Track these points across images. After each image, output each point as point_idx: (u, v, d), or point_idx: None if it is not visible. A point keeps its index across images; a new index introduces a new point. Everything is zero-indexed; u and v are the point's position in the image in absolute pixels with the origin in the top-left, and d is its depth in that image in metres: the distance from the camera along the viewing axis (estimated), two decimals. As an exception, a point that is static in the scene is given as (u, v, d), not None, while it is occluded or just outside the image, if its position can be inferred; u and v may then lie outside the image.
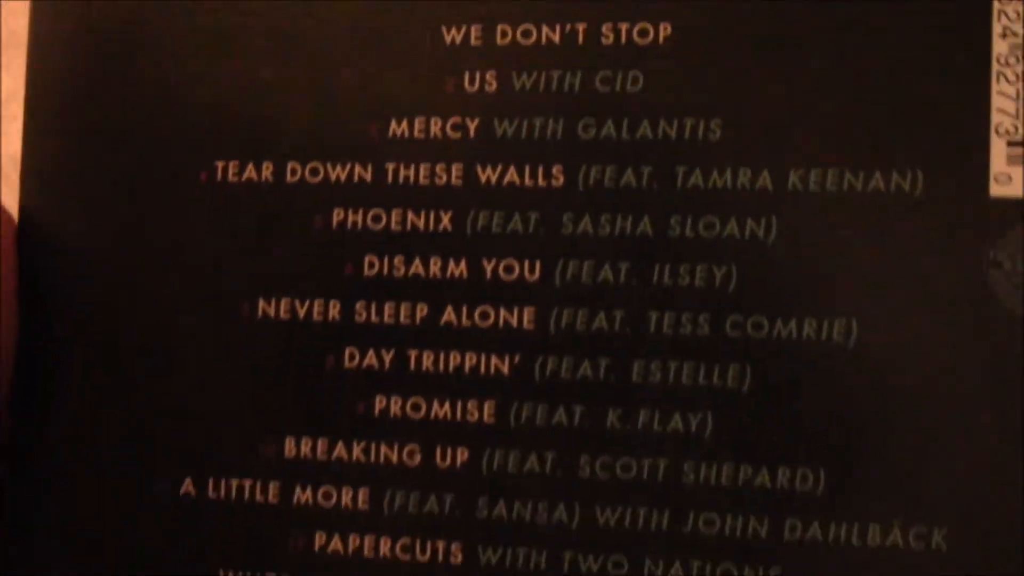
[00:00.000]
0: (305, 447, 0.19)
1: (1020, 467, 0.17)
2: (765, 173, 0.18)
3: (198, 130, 0.20)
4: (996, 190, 0.17)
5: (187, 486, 0.19)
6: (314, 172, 0.19)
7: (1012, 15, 0.17)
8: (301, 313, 0.19)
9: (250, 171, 0.19)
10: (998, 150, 0.17)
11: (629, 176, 0.18)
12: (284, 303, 0.19)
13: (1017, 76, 0.17)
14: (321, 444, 0.19)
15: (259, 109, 0.20)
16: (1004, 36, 0.17)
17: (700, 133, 0.18)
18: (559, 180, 0.18)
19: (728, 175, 0.18)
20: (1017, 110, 0.17)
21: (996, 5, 0.17)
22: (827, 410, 0.17)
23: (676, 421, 0.18)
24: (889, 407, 0.17)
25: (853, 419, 0.17)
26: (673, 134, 0.18)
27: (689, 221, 0.18)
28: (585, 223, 0.18)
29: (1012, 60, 0.17)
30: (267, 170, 0.19)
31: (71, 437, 0.20)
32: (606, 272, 0.18)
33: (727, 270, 0.18)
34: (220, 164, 0.20)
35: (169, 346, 0.20)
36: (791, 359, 0.18)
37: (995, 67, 0.17)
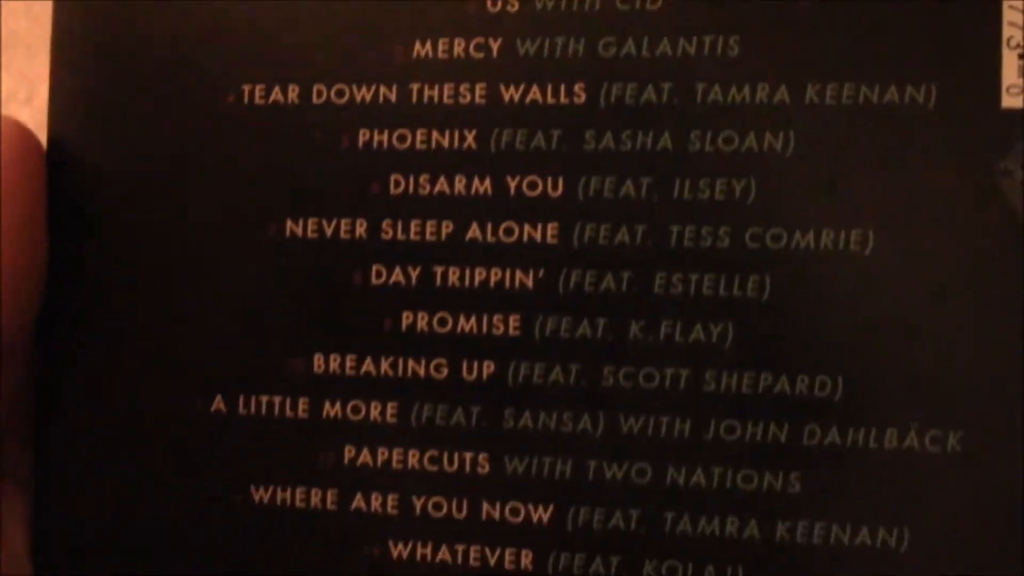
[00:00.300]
0: (334, 363, 0.20)
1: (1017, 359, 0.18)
2: (783, 88, 0.19)
3: (224, 54, 0.21)
4: (1007, 101, 0.18)
5: (217, 403, 0.20)
6: (340, 94, 0.20)
7: (1023, -70, 0.18)
8: (328, 232, 0.20)
9: (276, 94, 0.20)
10: (1009, 63, 0.18)
11: (649, 93, 0.19)
12: (311, 223, 0.20)
13: (1028, -10, 0.18)
14: (349, 360, 0.20)
15: (285, 33, 0.20)
16: (1015, -50, 0.18)
17: (719, 50, 0.19)
18: (581, 98, 0.19)
19: (746, 90, 0.19)
20: (1028, 23, 0.18)
21: (1008, -80, 0.18)
22: (845, 318, 0.18)
23: (697, 331, 0.19)
24: (905, 314, 0.18)
25: (870, 326, 0.18)
26: (692, 51, 0.19)
27: (709, 136, 0.19)
28: (607, 139, 0.19)
29: (1023, -26, 0.18)
30: (293, 92, 0.20)
31: (102, 357, 0.21)
32: (628, 187, 0.19)
33: (746, 183, 0.19)
34: (247, 87, 0.20)
35: (198, 266, 0.20)
36: (809, 269, 0.19)
37: (1006, -19, 0.18)
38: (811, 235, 0.19)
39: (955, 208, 0.18)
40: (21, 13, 0.33)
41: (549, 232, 0.19)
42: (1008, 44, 0.18)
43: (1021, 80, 0.18)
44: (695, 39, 0.19)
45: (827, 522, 0.19)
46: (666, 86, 0.19)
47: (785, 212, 0.19)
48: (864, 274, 0.18)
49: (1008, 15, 0.18)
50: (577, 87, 0.19)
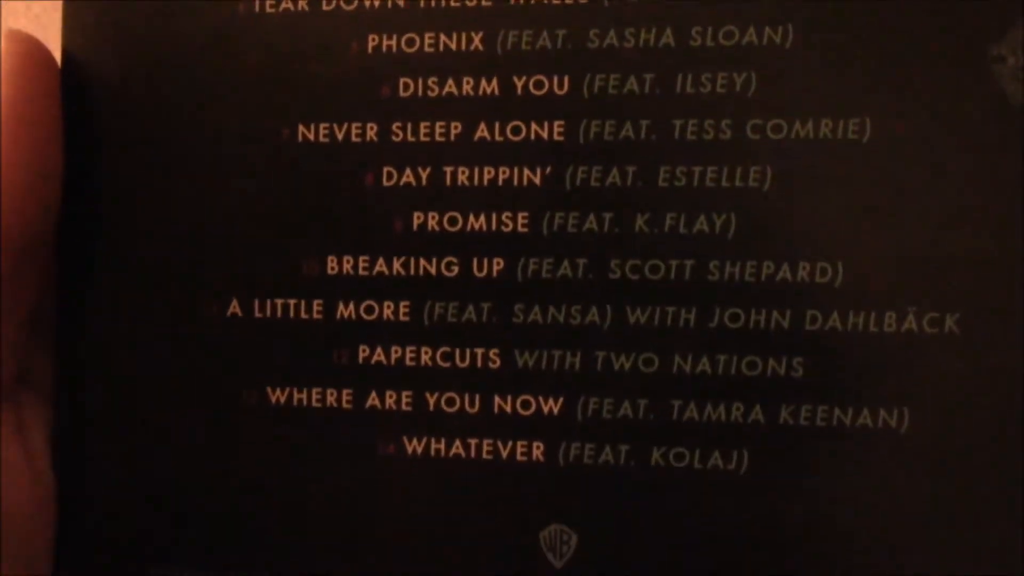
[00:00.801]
0: (347, 264, 0.22)
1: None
2: (782, -18, 0.21)
3: None
4: (1000, -11, 0.20)
5: (234, 307, 0.23)
6: (348, 0, 0.22)
7: None
8: (340, 135, 0.22)
9: (286, 2, 0.22)
10: (1001, -50, 0.20)
11: None
12: (323, 127, 0.22)
13: None
14: (362, 261, 0.22)
15: (294, -58, 0.23)
16: None
17: (719, -54, 0.21)
18: None
19: (746, -15, 0.21)
20: (1019, -89, 0.20)
21: None
22: (844, 205, 0.21)
23: (701, 222, 0.21)
24: (902, 199, 0.20)
25: (868, 212, 0.21)
26: (693, -51, 0.21)
27: (710, 31, 0.21)
28: (611, 37, 0.21)
29: None
30: (303, 0, 0.22)
31: (119, 264, 0.23)
32: (631, 83, 0.21)
33: (747, 76, 0.21)
34: (257, -3, 0.23)
35: (211, 171, 0.23)
36: (809, 157, 0.21)
37: None
38: (810, 125, 0.21)
39: (950, 94, 0.20)
40: (21, 13, 0.36)
41: (555, 130, 0.22)
42: (1000, -67, 0.20)
43: (1012, -32, 0.20)
44: (695, -63, 0.21)
45: (829, 405, 0.21)
46: (668, -16, 0.21)
47: (785, 103, 0.21)
48: (862, 161, 0.21)
49: (999, -95, 0.20)
50: (581, -12, 0.22)
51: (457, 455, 0.22)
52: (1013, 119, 0.20)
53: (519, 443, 0.22)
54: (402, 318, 0.22)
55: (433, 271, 0.22)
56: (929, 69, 0.20)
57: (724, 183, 0.21)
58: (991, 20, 0.20)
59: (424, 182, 0.22)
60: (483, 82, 0.22)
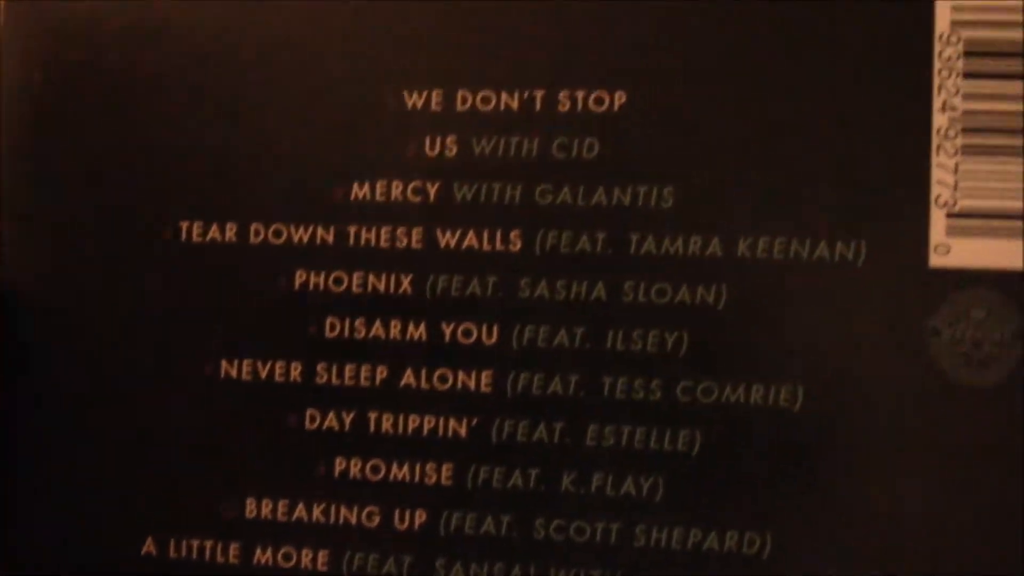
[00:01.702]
0: (266, 508, 0.25)
1: (957, 524, 0.22)
2: (715, 240, 0.23)
3: (162, 190, 0.25)
4: (935, 260, 0.23)
5: (148, 546, 0.25)
6: (277, 234, 0.25)
7: (952, 89, 0.23)
8: (263, 374, 0.25)
9: (214, 231, 0.25)
10: (937, 221, 0.23)
11: (584, 242, 0.24)
12: (246, 364, 0.25)
13: (956, 149, 0.22)
14: (282, 505, 0.25)
15: (223, 170, 0.25)
16: (943, 110, 0.23)
17: (653, 200, 0.24)
18: (517, 245, 0.24)
19: (680, 242, 0.23)
20: (955, 183, 0.22)
21: (936, 80, 0.23)
22: (774, 474, 0.23)
23: (628, 485, 0.23)
24: (834, 471, 0.23)
25: (799, 482, 0.23)
26: (627, 201, 0.24)
27: (642, 287, 0.24)
28: (542, 288, 0.24)
29: (951, 133, 0.22)
30: (230, 231, 0.25)
31: (37, 496, 0.25)
32: (561, 336, 0.24)
33: (678, 335, 0.23)
34: (184, 224, 0.25)
35: (132, 406, 0.25)
36: (739, 424, 0.23)
37: (935, 140, 0.23)
38: (741, 390, 0.23)
39: (884, 366, 0.23)
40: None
41: (483, 380, 0.24)
42: (936, 202, 0.23)
43: (948, 239, 0.22)
44: (630, 189, 0.24)
45: None
46: (601, 235, 0.24)
47: (716, 366, 0.23)
48: (794, 429, 0.23)
49: (937, 174, 0.23)
50: (513, 234, 0.24)
51: None
52: (949, 393, 0.22)
53: None
54: (320, 567, 0.24)
55: (353, 520, 0.24)
56: (862, 338, 0.22)
57: (652, 445, 0.23)
58: (926, 291, 0.22)
59: (347, 427, 0.24)
60: (411, 326, 0.24)
